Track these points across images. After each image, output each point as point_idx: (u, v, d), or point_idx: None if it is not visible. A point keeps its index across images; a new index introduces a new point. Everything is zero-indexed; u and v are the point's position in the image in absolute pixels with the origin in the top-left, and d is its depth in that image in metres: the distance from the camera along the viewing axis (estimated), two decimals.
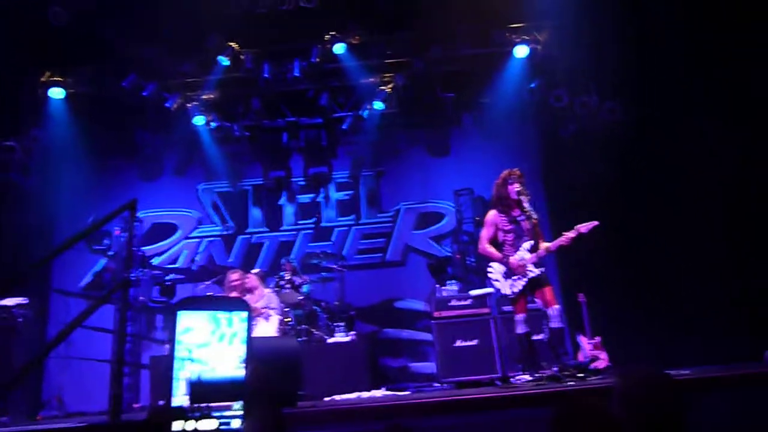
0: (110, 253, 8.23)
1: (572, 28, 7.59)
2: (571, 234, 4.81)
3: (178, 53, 8.16)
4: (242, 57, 8.22)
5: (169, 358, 2.11)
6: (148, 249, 8.83)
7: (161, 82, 8.26)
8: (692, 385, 3.13)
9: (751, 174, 6.83)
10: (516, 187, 5.01)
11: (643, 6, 6.73)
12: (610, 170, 7.37)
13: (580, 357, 6.12)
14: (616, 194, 7.34)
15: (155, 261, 8.88)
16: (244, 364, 2.22)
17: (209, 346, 2.18)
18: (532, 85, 8.08)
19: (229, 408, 2.14)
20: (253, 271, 7.05)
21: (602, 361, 5.99)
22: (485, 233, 5.17)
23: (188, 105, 8.53)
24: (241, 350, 2.22)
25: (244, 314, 2.28)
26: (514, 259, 4.97)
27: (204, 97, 8.60)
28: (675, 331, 6.76)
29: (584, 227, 4.79)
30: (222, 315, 2.22)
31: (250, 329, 2.32)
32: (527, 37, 8.08)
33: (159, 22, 7.17)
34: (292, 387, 3.70)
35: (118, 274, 7.80)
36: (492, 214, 5.17)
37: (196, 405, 2.06)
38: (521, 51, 8.04)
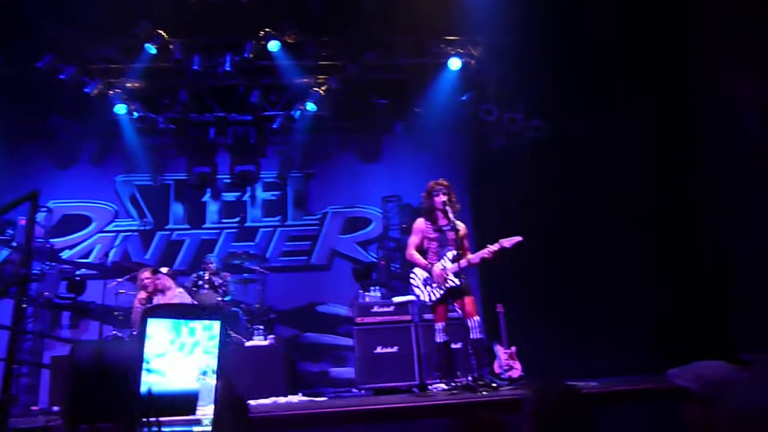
0: (13, 244, 7.67)
1: (504, 46, 7.81)
2: (493, 247, 4.91)
3: (102, 37, 7.73)
4: (171, 47, 7.88)
5: (137, 368, 1.92)
6: (57, 241, 8.32)
7: (81, 66, 7.79)
8: (601, 398, 3.26)
9: (666, 190, 7.23)
10: (441, 198, 5.09)
11: (567, 28, 7.00)
12: (533, 185, 7.63)
13: (496, 366, 6.26)
14: (538, 209, 7.58)
15: (65, 254, 8.37)
16: (203, 376, 2.04)
17: (166, 355, 1.99)
18: (464, 98, 8.23)
19: (183, 423, 1.98)
20: (163, 269, 6.78)
21: (516, 370, 6.15)
22: (412, 240, 5.26)
23: (110, 92, 8.09)
24: (202, 361, 2.04)
25: (212, 323, 2.11)
26: (436, 267, 5.04)
27: (128, 85, 8.19)
28: (588, 343, 7.04)
29: (507, 242, 4.90)
30: (185, 324, 2.04)
31: (222, 340, 2.15)
32: (461, 51, 8.22)
33: (81, 1, 6.78)
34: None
35: (20, 267, 7.28)
36: (419, 222, 5.27)
37: (145, 420, 1.89)
38: (455, 63, 8.17)
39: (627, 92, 7.07)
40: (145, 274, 6.62)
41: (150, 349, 1.99)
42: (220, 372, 2.05)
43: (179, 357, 2.04)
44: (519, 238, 4.89)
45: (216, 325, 2.17)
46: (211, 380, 2.13)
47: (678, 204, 7.14)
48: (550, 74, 7.41)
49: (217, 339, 2.16)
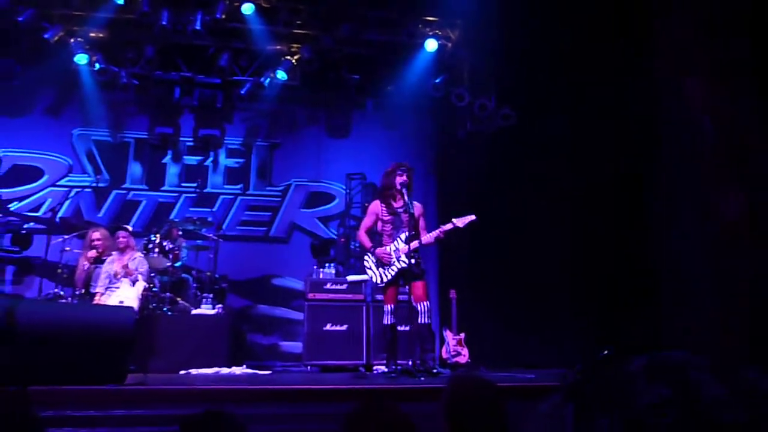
0: None
1: (481, 32, 7.70)
2: (446, 227, 4.87)
3: None
4: None
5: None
6: (5, 192, 8.00)
7: (41, 10, 7.43)
8: (516, 392, 3.24)
9: (616, 188, 7.29)
10: (401, 178, 5.02)
11: (543, 22, 6.95)
12: (496, 172, 7.62)
13: (444, 352, 6.27)
14: (499, 197, 7.58)
15: (12, 206, 8.06)
16: None
17: None
18: (437, 81, 8.11)
19: None
20: (127, 227, 6.57)
21: (463, 357, 6.16)
22: (365, 222, 5.30)
23: (71, 40, 7.74)
24: None
25: None
26: (381, 249, 5.01)
27: (90, 34, 7.83)
28: (533, 333, 7.11)
29: (460, 221, 4.86)
30: None
31: None
32: (439, 32, 8.10)
33: None
34: (117, 362, 3.42)
35: None
36: (374, 204, 5.27)
37: None
38: (431, 45, 8.04)
39: (592, 91, 7.07)
40: (96, 234, 6.40)
41: None
42: None
43: None
44: (472, 217, 4.85)
45: None
46: None
47: (628, 203, 7.21)
48: (524, 65, 7.38)
49: None
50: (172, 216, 8.35)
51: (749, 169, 5.22)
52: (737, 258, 5.20)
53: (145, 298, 6.05)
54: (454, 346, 6.22)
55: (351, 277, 6.72)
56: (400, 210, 5.04)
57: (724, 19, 5.26)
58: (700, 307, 5.46)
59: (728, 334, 5.09)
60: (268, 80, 8.29)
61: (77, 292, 6.15)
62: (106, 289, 5.88)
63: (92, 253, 6.15)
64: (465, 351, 6.21)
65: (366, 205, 8.14)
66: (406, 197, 4.98)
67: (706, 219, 5.45)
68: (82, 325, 3.35)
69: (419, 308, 4.84)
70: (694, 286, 5.61)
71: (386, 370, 4.70)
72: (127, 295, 5.80)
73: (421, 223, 5.04)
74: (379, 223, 5.13)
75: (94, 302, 5.80)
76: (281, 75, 8.19)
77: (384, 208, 5.11)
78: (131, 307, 5.14)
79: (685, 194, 5.74)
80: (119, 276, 5.96)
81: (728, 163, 5.40)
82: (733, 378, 0.85)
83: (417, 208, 4.99)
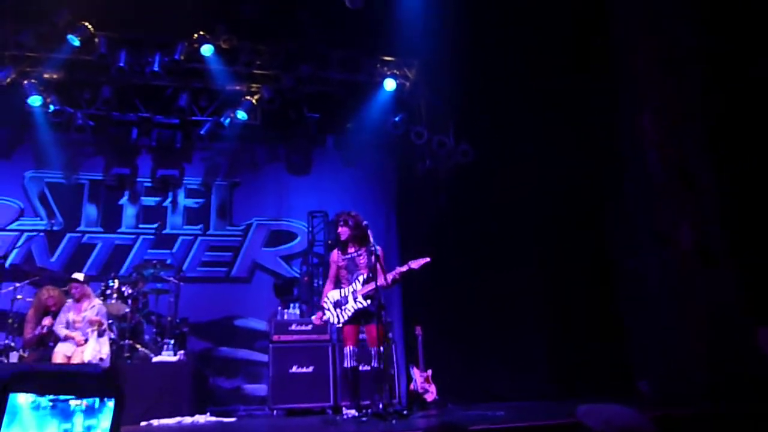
0: None
1: (437, 70, 7.92)
2: (401, 269, 4.90)
3: (17, 21, 7.22)
4: (96, 40, 7.49)
5: None
6: None
7: None
8: None
9: (578, 222, 7.51)
10: (341, 228, 5.12)
11: (501, 58, 7.20)
12: (457, 208, 7.75)
13: (411, 388, 6.24)
14: (463, 231, 7.69)
15: None
16: None
17: None
18: (396, 119, 8.25)
19: None
20: (77, 275, 6.28)
21: (431, 394, 6.14)
22: (329, 272, 5.31)
23: (24, 81, 7.59)
24: None
25: (105, 404, 1.66)
26: (330, 293, 5.11)
27: (45, 75, 7.71)
28: (500, 367, 7.17)
29: (415, 263, 4.89)
30: (74, 404, 1.56)
31: (116, 423, 1.65)
32: (397, 72, 8.29)
33: None
34: None
35: None
36: (333, 253, 5.34)
37: None
38: (390, 84, 8.21)
39: (552, 125, 7.31)
40: (45, 295, 6.00)
41: None
42: None
43: None
44: (426, 259, 4.88)
45: (109, 406, 1.70)
46: None
47: (590, 235, 7.42)
48: (481, 102, 7.59)
49: (111, 422, 1.68)
50: (129, 258, 8.16)
51: (696, 203, 5.48)
52: (693, 283, 5.40)
53: (118, 346, 5.86)
54: (421, 383, 6.19)
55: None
56: (354, 255, 5.09)
57: (679, 56, 5.55)
58: (663, 333, 5.63)
59: (690, 360, 5.25)
60: (228, 120, 8.27)
61: (24, 353, 5.89)
62: (65, 338, 5.64)
63: (48, 321, 5.87)
64: (432, 387, 6.19)
65: (329, 242, 8.16)
66: (353, 243, 5.06)
67: (664, 247, 5.65)
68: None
69: (372, 352, 4.84)
70: (656, 311, 5.79)
71: (356, 414, 4.64)
72: (98, 349, 5.57)
73: (378, 266, 5.02)
74: (339, 270, 5.21)
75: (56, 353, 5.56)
76: (241, 115, 8.19)
77: (340, 255, 5.21)
78: (95, 365, 4.96)
79: (643, 224, 5.95)
80: (79, 324, 5.73)
81: (677, 196, 5.65)
82: None
83: (375, 251, 4.99)
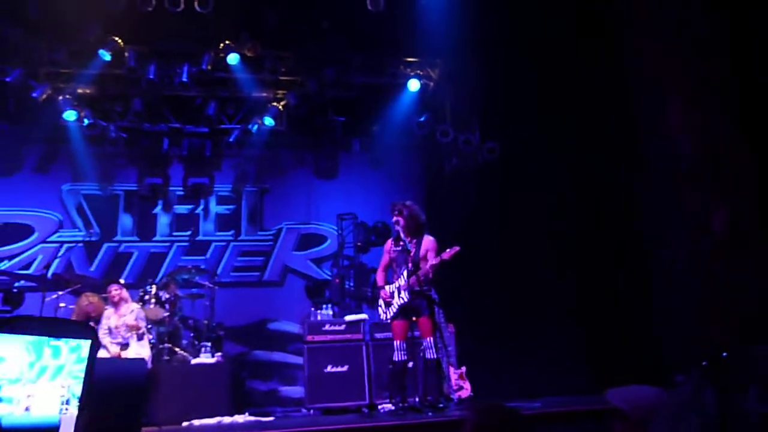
0: None
1: (461, 69, 7.93)
2: (434, 261, 4.93)
3: (51, 39, 7.47)
4: (126, 54, 7.69)
5: None
6: None
7: (28, 69, 7.53)
8: (540, 418, 3.27)
9: (605, 214, 7.43)
10: (394, 218, 5.14)
11: (523, 55, 7.18)
12: (485, 206, 7.74)
13: (446, 386, 6.24)
14: (491, 228, 7.68)
15: (3, 265, 7.99)
16: (66, 405, 1.70)
17: (20, 382, 1.65)
18: (421, 119, 8.29)
19: None
20: (120, 281, 6.49)
21: (466, 390, 6.13)
22: (382, 261, 5.40)
23: (59, 97, 7.84)
24: (66, 388, 1.70)
25: (79, 342, 1.77)
26: (384, 289, 5.16)
27: (78, 90, 7.95)
28: (534, 362, 7.12)
29: (446, 254, 4.92)
30: (48, 343, 1.70)
31: (90, 362, 1.79)
32: (420, 72, 8.33)
33: (28, 1, 6.56)
34: (132, 416, 3.37)
35: None
36: (387, 242, 5.41)
37: None
38: (414, 85, 8.26)
39: (575, 118, 7.27)
40: (85, 302, 6.19)
41: (3, 373, 1.57)
42: (86, 401, 1.70)
43: (38, 383, 1.65)
44: (456, 249, 4.91)
45: (85, 346, 1.79)
46: (74, 410, 1.76)
47: (619, 228, 7.34)
48: (506, 98, 7.57)
49: (86, 362, 1.78)
50: (164, 265, 8.34)
51: (726, 185, 5.39)
52: (723, 265, 5.32)
53: (157, 349, 6.02)
54: (455, 381, 6.19)
55: (349, 317, 6.71)
56: (406, 246, 5.12)
57: (702, 39, 5.48)
58: (696, 323, 5.55)
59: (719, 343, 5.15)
60: (255, 127, 8.42)
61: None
62: (111, 344, 5.81)
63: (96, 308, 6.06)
64: (467, 385, 6.18)
65: (359, 244, 8.24)
66: (403, 234, 5.06)
67: (697, 234, 5.57)
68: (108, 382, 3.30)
69: (425, 344, 4.88)
70: (685, 299, 5.71)
71: (392, 408, 4.67)
72: (138, 351, 5.73)
73: (425, 258, 5.07)
74: (390, 260, 5.27)
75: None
76: (269, 121, 8.32)
77: (392, 245, 5.26)
78: (143, 359, 5.10)
79: (672, 210, 5.88)
80: (120, 329, 5.88)
81: (707, 179, 5.57)
82: None
83: (427, 242, 5.05)
